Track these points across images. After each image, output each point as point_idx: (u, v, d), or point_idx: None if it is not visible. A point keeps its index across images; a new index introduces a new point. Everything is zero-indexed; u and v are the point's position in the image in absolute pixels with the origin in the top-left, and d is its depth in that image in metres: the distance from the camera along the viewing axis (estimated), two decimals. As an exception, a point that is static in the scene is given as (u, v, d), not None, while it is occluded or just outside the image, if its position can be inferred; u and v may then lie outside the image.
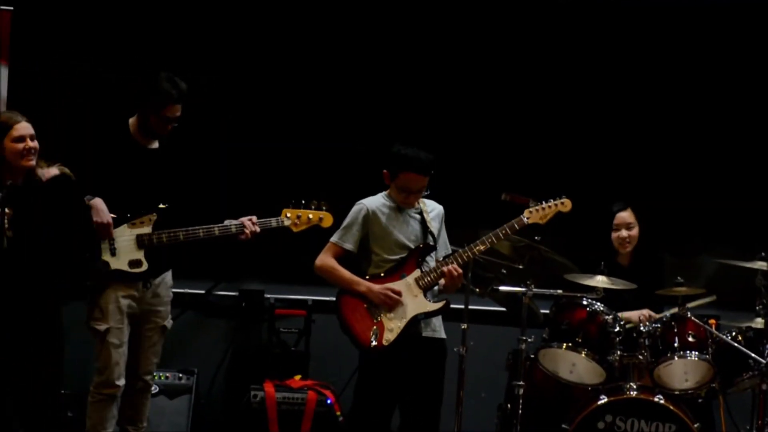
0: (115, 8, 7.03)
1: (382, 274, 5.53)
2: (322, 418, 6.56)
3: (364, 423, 5.50)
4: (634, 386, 6.03)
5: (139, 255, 5.59)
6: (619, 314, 6.16)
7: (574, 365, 6.10)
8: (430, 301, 5.51)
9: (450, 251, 5.64)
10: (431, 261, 5.58)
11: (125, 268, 5.57)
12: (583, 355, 6.05)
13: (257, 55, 7.17)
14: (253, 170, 7.08)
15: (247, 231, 5.69)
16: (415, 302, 5.47)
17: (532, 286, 5.99)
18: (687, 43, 7.19)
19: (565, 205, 5.64)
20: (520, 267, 6.04)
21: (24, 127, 5.17)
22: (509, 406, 6.15)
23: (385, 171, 5.54)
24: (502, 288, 6.09)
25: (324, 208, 5.83)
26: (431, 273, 5.50)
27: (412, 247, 5.54)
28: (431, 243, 5.57)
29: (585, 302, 6.13)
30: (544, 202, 5.60)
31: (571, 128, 7.25)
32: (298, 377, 6.86)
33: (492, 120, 7.24)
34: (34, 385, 5.19)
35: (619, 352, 6.03)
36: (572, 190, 6.94)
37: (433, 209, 5.66)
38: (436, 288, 5.57)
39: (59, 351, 5.30)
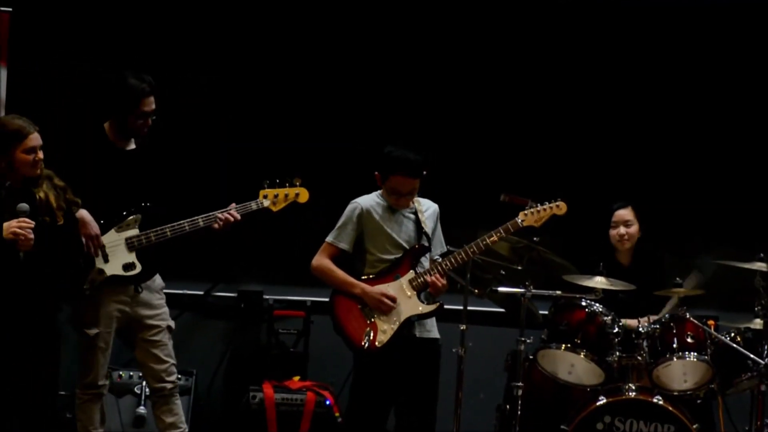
0: (114, 8, 7.03)
1: (372, 276, 5.54)
2: (321, 418, 6.57)
3: (360, 424, 5.52)
4: (633, 387, 6.04)
5: (132, 257, 5.60)
6: (622, 321, 6.15)
7: (572, 366, 6.11)
8: (423, 302, 5.53)
9: (445, 248, 5.65)
10: (426, 262, 5.59)
11: (120, 272, 5.58)
12: (582, 355, 6.06)
13: (257, 55, 7.18)
14: (252, 170, 7.07)
15: (219, 219, 5.64)
16: (408, 304, 5.50)
17: (531, 287, 5.98)
18: (685, 44, 7.19)
19: (561, 208, 5.66)
20: (519, 268, 6.04)
21: (36, 138, 5.15)
22: (508, 406, 6.15)
23: (376, 173, 5.55)
24: (501, 289, 6.09)
25: (297, 183, 5.80)
26: (425, 274, 5.51)
27: (406, 246, 5.56)
28: (425, 244, 5.58)
29: (584, 303, 6.14)
30: (539, 205, 5.62)
31: (571, 129, 7.25)
32: (296, 378, 6.87)
33: (492, 121, 7.24)
34: (32, 387, 5.18)
35: (617, 353, 6.04)
36: (571, 191, 6.96)
37: (428, 208, 5.66)
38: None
39: (56, 353, 5.30)
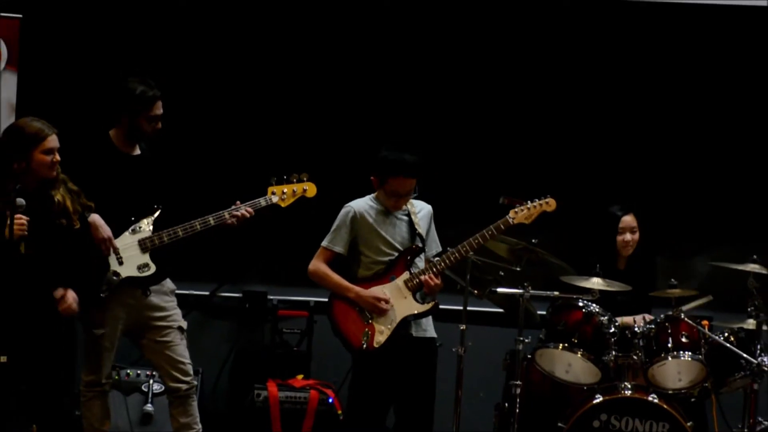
0: (122, 14, 7.08)
1: (368, 277, 5.59)
2: (324, 416, 6.62)
3: (360, 423, 5.57)
4: (629, 386, 6.07)
5: (146, 258, 5.65)
6: (618, 319, 6.20)
7: (570, 365, 6.15)
8: (419, 302, 5.57)
9: (440, 248, 5.69)
10: (420, 262, 5.64)
11: (135, 273, 5.63)
12: (579, 355, 6.10)
13: (261, 56, 7.23)
14: (259, 168, 7.12)
15: (238, 213, 5.69)
16: (404, 304, 5.55)
17: (529, 288, 6.01)
18: (679, 46, 7.20)
19: (550, 204, 5.68)
20: (518, 269, 6.06)
21: (54, 140, 5.21)
22: (507, 405, 6.19)
23: (372, 177, 5.59)
24: (500, 290, 6.10)
25: (305, 178, 5.84)
26: (420, 275, 5.57)
27: (400, 248, 5.60)
28: (419, 245, 5.62)
29: (581, 304, 6.17)
30: (529, 202, 5.64)
31: (568, 131, 7.26)
32: (300, 377, 6.92)
33: (490, 122, 7.26)
34: (44, 385, 5.24)
35: (614, 353, 6.07)
36: (568, 192, 7.02)
37: (421, 209, 5.71)
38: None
39: (69, 352, 5.39)
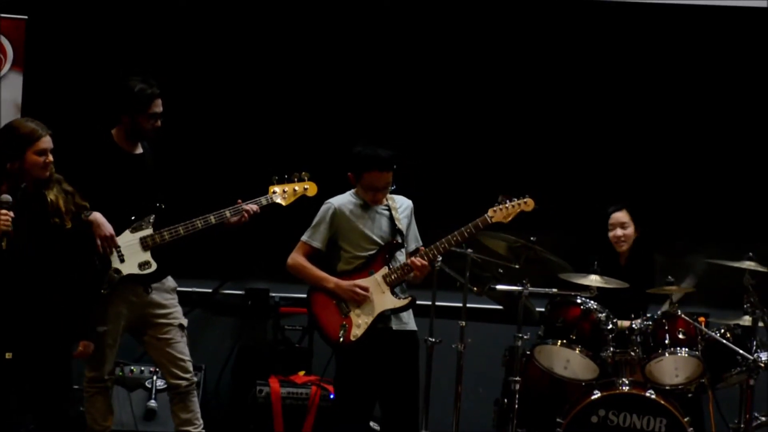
0: (126, 16, 7.10)
1: (347, 272, 5.60)
2: (325, 412, 6.62)
3: (346, 417, 5.57)
4: (626, 382, 6.10)
5: (147, 256, 5.68)
6: (618, 322, 6.21)
7: (568, 361, 6.19)
8: (397, 297, 5.59)
9: (420, 243, 5.70)
10: (401, 257, 5.65)
11: (136, 270, 5.66)
12: (577, 351, 6.15)
13: (262, 55, 7.26)
14: (260, 167, 7.15)
15: (245, 210, 5.73)
16: (382, 298, 5.56)
17: (528, 285, 6.06)
18: (674, 46, 7.21)
19: (528, 204, 5.68)
20: (517, 267, 6.11)
21: (47, 141, 5.21)
22: (506, 400, 6.24)
23: (349, 174, 5.61)
24: (499, 287, 6.16)
25: (306, 177, 5.87)
26: (399, 270, 5.58)
27: (380, 242, 5.61)
28: (399, 240, 5.63)
29: (579, 300, 6.21)
30: (507, 201, 5.66)
31: (564, 129, 7.27)
32: (302, 373, 6.96)
33: (487, 121, 7.27)
34: (45, 381, 5.25)
35: (611, 349, 6.11)
36: (566, 191, 7.10)
37: (401, 204, 5.71)
38: (404, 284, 5.65)
39: (69, 348, 5.38)
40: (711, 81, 7.23)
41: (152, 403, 6.78)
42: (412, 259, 5.58)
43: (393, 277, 5.59)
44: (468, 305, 6.03)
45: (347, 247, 5.63)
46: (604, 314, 6.19)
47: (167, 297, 5.82)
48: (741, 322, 6.15)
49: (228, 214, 5.74)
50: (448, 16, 7.25)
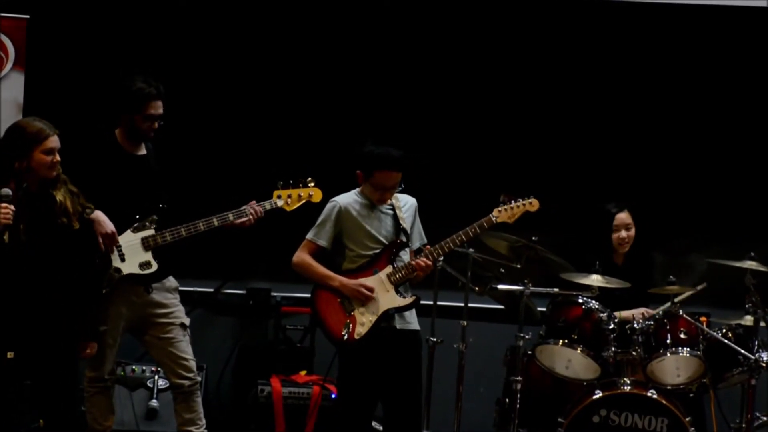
0: (129, 15, 7.11)
1: (351, 270, 5.61)
2: (327, 411, 6.62)
3: (348, 416, 5.58)
4: (628, 381, 6.11)
5: (148, 257, 5.68)
6: (616, 314, 6.23)
7: (569, 361, 6.20)
8: (401, 296, 5.60)
9: (425, 241, 5.72)
10: (405, 256, 5.66)
11: (137, 270, 5.66)
12: (579, 351, 6.16)
13: (264, 61, 7.27)
14: (265, 170, 7.15)
15: (251, 213, 5.74)
16: (386, 297, 5.57)
17: (530, 284, 6.07)
18: (674, 45, 7.21)
19: (533, 204, 5.71)
20: (518, 266, 6.11)
21: (54, 141, 5.22)
22: (507, 400, 6.23)
23: (358, 172, 5.61)
24: (501, 286, 6.17)
25: (311, 184, 5.87)
26: (403, 269, 5.59)
27: (385, 242, 5.62)
28: (404, 239, 5.65)
29: (580, 300, 6.22)
30: (512, 202, 5.68)
31: (564, 129, 7.28)
32: (303, 373, 6.96)
33: (486, 121, 7.28)
34: (50, 381, 5.27)
35: (613, 349, 6.11)
36: (567, 190, 7.11)
37: (405, 203, 5.72)
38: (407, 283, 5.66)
39: (74, 348, 5.37)
40: (711, 81, 7.23)
41: (154, 402, 6.78)
42: (417, 260, 5.58)
43: (397, 276, 5.60)
44: (469, 305, 6.07)
45: (352, 245, 5.64)
46: (605, 314, 6.20)
47: (168, 296, 5.82)
48: (742, 322, 6.16)
49: (231, 217, 5.75)
50: (451, 16, 7.25)
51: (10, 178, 5.20)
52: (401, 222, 5.66)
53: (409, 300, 5.61)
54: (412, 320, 5.67)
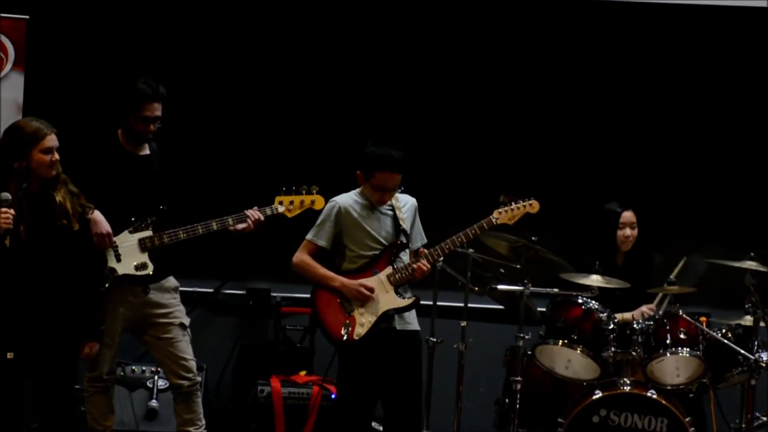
0: (129, 15, 7.10)
1: (351, 271, 5.61)
2: (327, 412, 6.63)
3: (348, 417, 5.59)
4: (628, 381, 6.12)
5: (144, 258, 5.67)
6: (617, 316, 6.25)
7: (569, 361, 6.20)
8: (401, 297, 5.60)
9: (425, 240, 5.72)
10: (405, 257, 5.65)
11: (132, 271, 5.66)
12: (579, 351, 6.16)
13: (263, 58, 7.27)
14: (252, 168, 7.19)
15: (250, 219, 5.74)
16: (386, 298, 5.56)
17: (529, 284, 6.08)
18: (674, 45, 7.21)
19: (533, 206, 5.70)
20: (518, 267, 6.13)
21: (53, 140, 5.22)
22: (507, 400, 6.25)
23: (358, 172, 5.61)
24: (500, 287, 6.18)
25: (314, 191, 5.87)
26: (403, 270, 5.59)
27: (385, 242, 5.62)
28: (404, 240, 5.65)
29: (580, 300, 6.22)
30: (513, 203, 5.68)
31: (564, 129, 7.27)
32: (303, 373, 6.96)
33: (487, 121, 7.28)
34: (48, 381, 5.25)
35: (613, 349, 6.11)
36: (566, 190, 7.11)
37: (405, 203, 5.72)
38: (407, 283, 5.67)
39: (72, 347, 5.35)
40: (711, 81, 7.23)
41: (153, 402, 6.78)
42: (417, 264, 5.58)
43: (397, 277, 5.60)
44: (469, 305, 6.09)
45: (352, 246, 5.64)
46: (605, 314, 6.20)
47: (167, 297, 5.82)
48: (742, 322, 6.17)
49: (231, 221, 5.75)
50: (451, 17, 7.25)
51: (10, 178, 5.20)
52: (401, 223, 5.66)
53: (408, 301, 5.62)
54: (411, 321, 5.67)
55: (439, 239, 5.65)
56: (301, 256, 5.67)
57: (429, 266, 5.58)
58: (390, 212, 5.69)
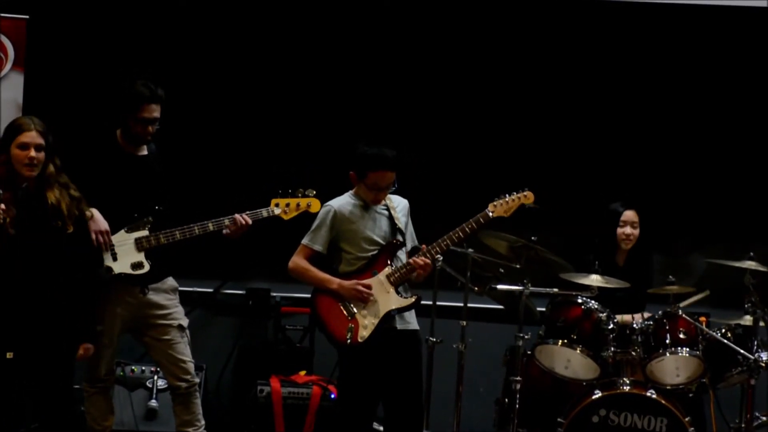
0: (129, 16, 7.11)
1: (350, 273, 5.62)
2: (326, 412, 6.65)
3: (349, 417, 5.59)
4: (627, 381, 6.12)
5: (140, 257, 5.66)
6: (618, 317, 6.25)
7: (569, 361, 6.20)
8: (401, 296, 5.61)
9: (416, 243, 5.73)
10: (402, 256, 5.66)
11: (128, 270, 5.65)
12: (578, 351, 6.16)
13: (262, 58, 7.28)
14: (251, 169, 7.20)
15: (236, 223, 5.69)
16: (387, 298, 5.57)
17: (529, 284, 6.07)
18: (675, 45, 7.22)
19: (528, 197, 5.71)
20: (518, 266, 6.13)
21: (31, 136, 5.10)
22: (506, 400, 6.25)
23: (351, 173, 5.62)
24: (500, 286, 6.17)
25: (311, 194, 5.85)
26: (402, 269, 5.59)
27: (381, 243, 5.63)
28: (400, 239, 5.65)
29: (580, 300, 6.22)
30: (507, 195, 5.69)
31: (565, 129, 7.28)
32: (302, 373, 6.97)
33: (487, 120, 7.28)
34: (46, 381, 5.24)
35: (612, 349, 6.12)
36: (566, 190, 7.11)
37: (399, 204, 5.73)
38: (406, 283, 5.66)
39: (71, 347, 5.34)
40: (711, 81, 7.24)
41: (153, 402, 6.79)
42: (415, 258, 5.59)
43: (396, 276, 5.60)
44: (469, 305, 6.05)
45: (348, 248, 5.65)
46: (605, 314, 6.20)
47: (166, 297, 5.82)
48: (742, 322, 6.17)
49: (227, 222, 5.73)
50: (448, 15, 7.26)
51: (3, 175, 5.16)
52: (397, 222, 5.67)
53: (410, 300, 5.62)
54: (411, 320, 5.68)
55: (434, 238, 5.66)
56: (297, 261, 5.68)
57: (429, 261, 5.58)
58: (385, 212, 5.70)
